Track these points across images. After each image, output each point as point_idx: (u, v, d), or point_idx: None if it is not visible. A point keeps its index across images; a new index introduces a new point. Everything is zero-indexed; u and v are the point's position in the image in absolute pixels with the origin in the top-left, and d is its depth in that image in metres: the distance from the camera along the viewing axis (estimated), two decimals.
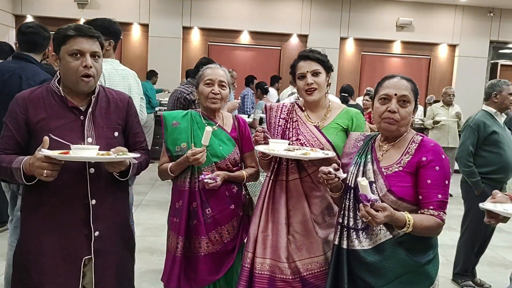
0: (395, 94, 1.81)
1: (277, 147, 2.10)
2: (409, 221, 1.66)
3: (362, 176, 1.83)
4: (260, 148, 2.12)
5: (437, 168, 1.76)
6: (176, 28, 10.10)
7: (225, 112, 2.56)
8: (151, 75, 9.06)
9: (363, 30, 10.50)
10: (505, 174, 3.61)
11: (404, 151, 1.84)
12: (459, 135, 6.97)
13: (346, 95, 6.87)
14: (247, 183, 2.53)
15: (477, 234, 3.77)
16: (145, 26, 10.15)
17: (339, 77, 10.26)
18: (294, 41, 10.54)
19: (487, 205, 1.55)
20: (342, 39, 10.55)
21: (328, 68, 2.28)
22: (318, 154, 2.06)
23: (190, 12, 10.10)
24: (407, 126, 1.86)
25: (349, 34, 10.51)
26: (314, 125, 2.26)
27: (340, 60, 10.53)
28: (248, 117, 6.61)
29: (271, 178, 2.26)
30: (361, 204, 1.62)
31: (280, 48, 10.55)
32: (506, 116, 3.82)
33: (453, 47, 10.86)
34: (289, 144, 2.18)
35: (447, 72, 10.98)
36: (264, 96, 7.32)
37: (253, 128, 5.43)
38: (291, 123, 2.30)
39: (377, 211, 1.60)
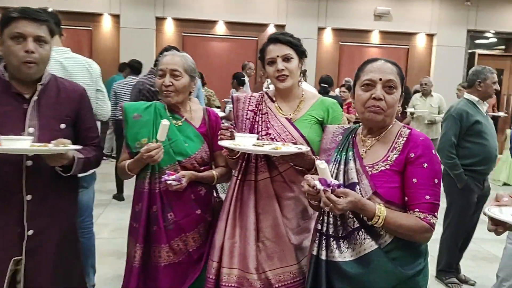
0: (380, 79, 1.58)
1: (244, 142, 1.87)
2: (380, 212, 1.48)
3: (345, 176, 1.62)
4: (224, 143, 1.88)
5: (425, 165, 1.54)
6: (149, 19, 9.74)
7: (195, 105, 2.31)
8: (123, 68, 8.70)
9: (341, 20, 10.32)
10: (488, 165, 3.46)
11: (391, 146, 1.62)
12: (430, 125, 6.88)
13: (326, 85, 6.65)
14: (221, 184, 2.30)
15: (460, 228, 3.62)
16: (116, 17, 9.75)
17: (318, 68, 10.08)
18: (271, 31, 10.24)
19: (492, 210, 1.27)
20: (320, 29, 10.35)
21: (301, 53, 2.04)
22: (290, 148, 1.83)
23: (163, 2, 9.74)
24: (393, 117, 1.65)
25: (327, 24, 10.32)
26: (285, 118, 2.04)
27: (318, 51, 10.34)
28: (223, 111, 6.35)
29: (239, 178, 2.02)
30: (321, 190, 1.44)
31: (256, 38, 10.27)
32: (488, 105, 3.65)
33: (431, 36, 10.78)
34: (258, 139, 1.96)
35: (425, 62, 10.90)
36: (241, 87, 7.07)
37: (230, 121, 5.19)
38: (260, 115, 2.06)
39: (339, 197, 1.43)
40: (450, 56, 10.69)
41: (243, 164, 2.02)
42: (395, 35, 10.64)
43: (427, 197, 1.53)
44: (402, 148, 1.59)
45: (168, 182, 2.00)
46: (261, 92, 2.17)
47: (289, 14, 10.10)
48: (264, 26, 10.24)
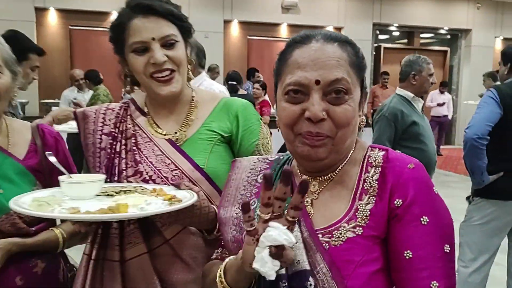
0: (317, 82, 0.90)
1: (73, 193, 1.09)
2: None
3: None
4: (22, 209, 1.02)
5: (424, 219, 0.89)
6: (27, 10, 8.36)
7: (16, 121, 1.43)
8: None
9: (248, 12, 9.75)
10: (428, 173, 2.95)
11: (357, 190, 0.96)
12: None
13: (235, 83, 5.91)
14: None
15: None
16: None
17: (226, 64, 9.40)
18: None
19: None
20: (226, 22, 9.70)
21: (187, 33, 1.28)
22: (158, 206, 1.02)
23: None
24: (352, 136, 0.96)
25: (233, 17, 9.70)
26: (167, 139, 1.27)
27: (225, 45, 9.67)
28: None
29: (93, 257, 1.22)
30: None
31: None
32: (423, 102, 3.16)
33: (338, 30, 10.58)
34: (109, 180, 1.20)
35: None
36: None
37: None
38: (124, 141, 1.28)
39: None
40: None
41: (99, 233, 1.21)
42: (303, 28, 10.00)
43: (434, 284, 0.86)
44: (378, 189, 0.93)
45: None
46: (124, 101, 1.37)
47: (192, 5, 9.29)
48: None
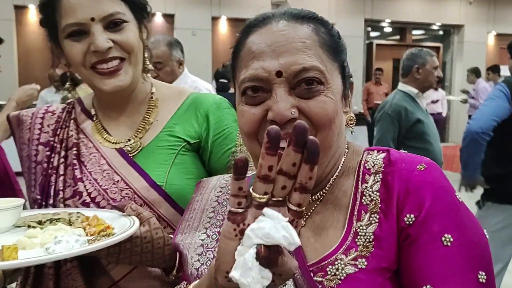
0: (279, 73, 0.69)
1: None
2: None
3: None
4: None
5: (448, 239, 0.67)
6: (6, 8, 8.03)
7: None
8: None
9: (237, 9, 9.49)
10: None
11: (354, 207, 0.74)
12: None
13: (226, 81, 5.59)
14: None
15: None
16: None
17: (214, 62, 9.15)
18: (158, 21, 9.10)
19: None
20: (214, 18, 9.45)
21: (140, 10, 1.01)
22: (68, 246, 0.75)
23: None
24: (339, 138, 0.75)
25: (221, 13, 9.43)
26: (117, 149, 1.01)
27: (213, 42, 9.41)
28: None
29: None
30: None
31: None
32: (426, 99, 2.93)
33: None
34: (44, 204, 0.97)
35: None
36: None
37: None
38: (64, 152, 1.01)
39: None
40: (350, 46, 10.20)
41: (31, 271, 0.96)
42: None
43: None
44: (381, 204, 0.72)
45: None
46: (69, 101, 1.10)
47: (179, 2, 9.03)
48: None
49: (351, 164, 0.78)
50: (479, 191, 2.71)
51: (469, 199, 2.72)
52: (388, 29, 11.53)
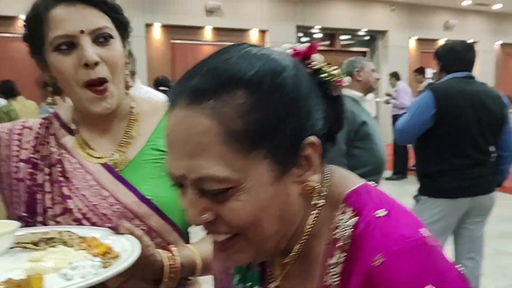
0: (184, 178, 0.59)
1: None
2: None
3: None
4: None
5: None
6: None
7: None
8: None
9: (170, 16, 9.39)
10: (379, 174, 2.88)
11: (320, 282, 0.62)
12: None
13: (166, 88, 5.50)
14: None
15: None
16: None
17: (149, 69, 8.96)
18: None
19: None
20: (148, 25, 9.25)
21: (124, 28, 1.02)
22: (86, 271, 0.74)
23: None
24: (285, 221, 0.63)
25: (155, 20, 9.27)
26: (102, 164, 1.00)
27: (148, 50, 9.22)
28: None
29: None
30: None
31: None
32: (367, 101, 3.11)
33: (262, 32, 10.57)
34: (31, 221, 0.95)
35: None
36: None
37: None
38: (47, 169, 0.99)
39: None
40: None
41: None
42: (228, 31, 10.11)
43: None
44: (342, 267, 0.60)
45: None
46: (44, 116, 1.07)
47: None
48: None
49: (326, 222, 0.63)
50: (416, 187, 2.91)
51: (407, 195, 2.93)
52: (318, 35, 11.93)
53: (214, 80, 0.56)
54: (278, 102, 0.56)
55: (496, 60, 14.02)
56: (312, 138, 0.59)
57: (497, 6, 12.74)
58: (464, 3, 12.24)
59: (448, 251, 2.85)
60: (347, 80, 0.65)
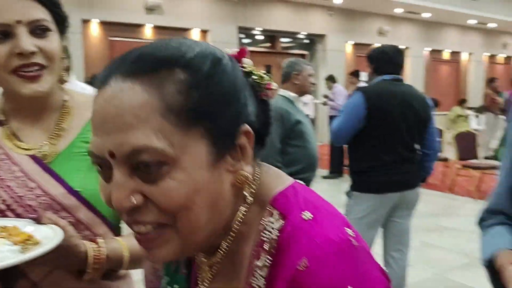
0: (111, 154, 0.54)
1: None
2: None
3: None
4: None
5: None
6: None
7: None
8: None
9: (109, 12, 9.14)
10: (312, 171, 2.99)
11: (246, 284, 0.62)
12: None
13: None
14: None
15: None
16: None
17: (87, 67, 8.68)
18: None
19: None
20: (85, 21, 8.95)
21: (62, 22, 1.02)
22: (3, 256, 0.76)
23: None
24: (215, 212, 0.60)
25: (93, 16, 8.99)
26: (30, 155, 0.99)
27: (85, 47, 8.93)
28: None
29: None
30: None
31: None
32: (303, 103, 3.22)
33: (204, 32, 10.54)
34: None
35: None
36: None
37: None
38: None
39: None
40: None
41: None
42: (169, 30, 10.00)
43: None
44: (268, 271, 0.59)
45: None
46: None
47: None
48: None
49: (254, 222, 0.62)
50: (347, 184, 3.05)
51: (343, 193, 3.06)
52: (260, 37, 12.08)
53: (153, 58, 0.55)
54: (218, 85, 0.56)
55: (425, 65, 14.90)
56: (248, 127, 0.59)
57: (426, 15, 13.56)
58: (396, 10, 12.91)
59: (378, 244, 3.01)
60: (275, 85, 0.66)
